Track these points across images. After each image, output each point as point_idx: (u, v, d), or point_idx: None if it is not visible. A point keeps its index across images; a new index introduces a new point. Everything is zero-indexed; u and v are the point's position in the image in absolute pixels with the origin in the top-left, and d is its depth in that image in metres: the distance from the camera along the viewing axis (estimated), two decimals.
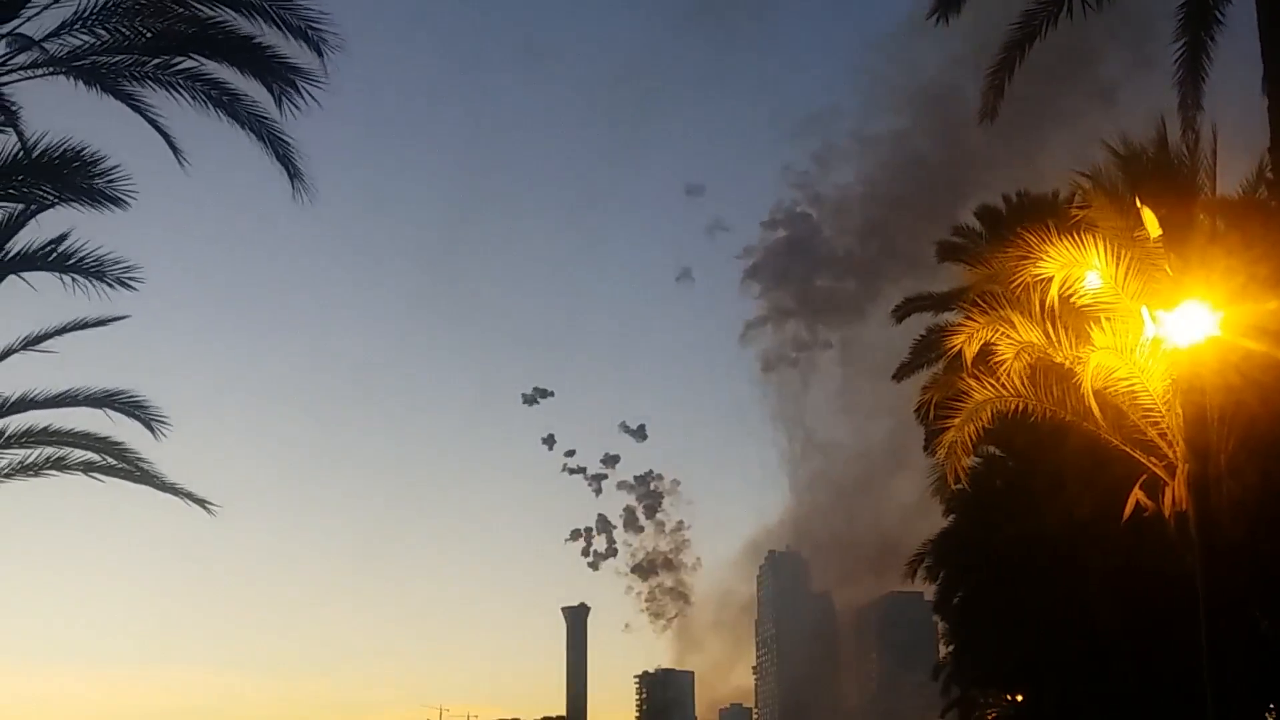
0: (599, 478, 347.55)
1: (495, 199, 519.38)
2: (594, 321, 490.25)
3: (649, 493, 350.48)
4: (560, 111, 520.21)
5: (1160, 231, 20.06)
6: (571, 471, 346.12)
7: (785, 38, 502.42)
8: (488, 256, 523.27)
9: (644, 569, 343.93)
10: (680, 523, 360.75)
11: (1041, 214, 25.90)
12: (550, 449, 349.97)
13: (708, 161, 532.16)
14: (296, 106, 20.87)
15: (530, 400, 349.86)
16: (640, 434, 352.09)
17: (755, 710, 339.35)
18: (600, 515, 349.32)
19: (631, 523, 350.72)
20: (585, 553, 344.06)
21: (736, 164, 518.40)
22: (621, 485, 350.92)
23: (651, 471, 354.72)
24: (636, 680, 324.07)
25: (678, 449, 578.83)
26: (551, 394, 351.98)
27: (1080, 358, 21.03)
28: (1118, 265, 20.30)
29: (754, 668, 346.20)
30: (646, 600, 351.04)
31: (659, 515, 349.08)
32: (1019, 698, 44.98)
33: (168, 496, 25.44)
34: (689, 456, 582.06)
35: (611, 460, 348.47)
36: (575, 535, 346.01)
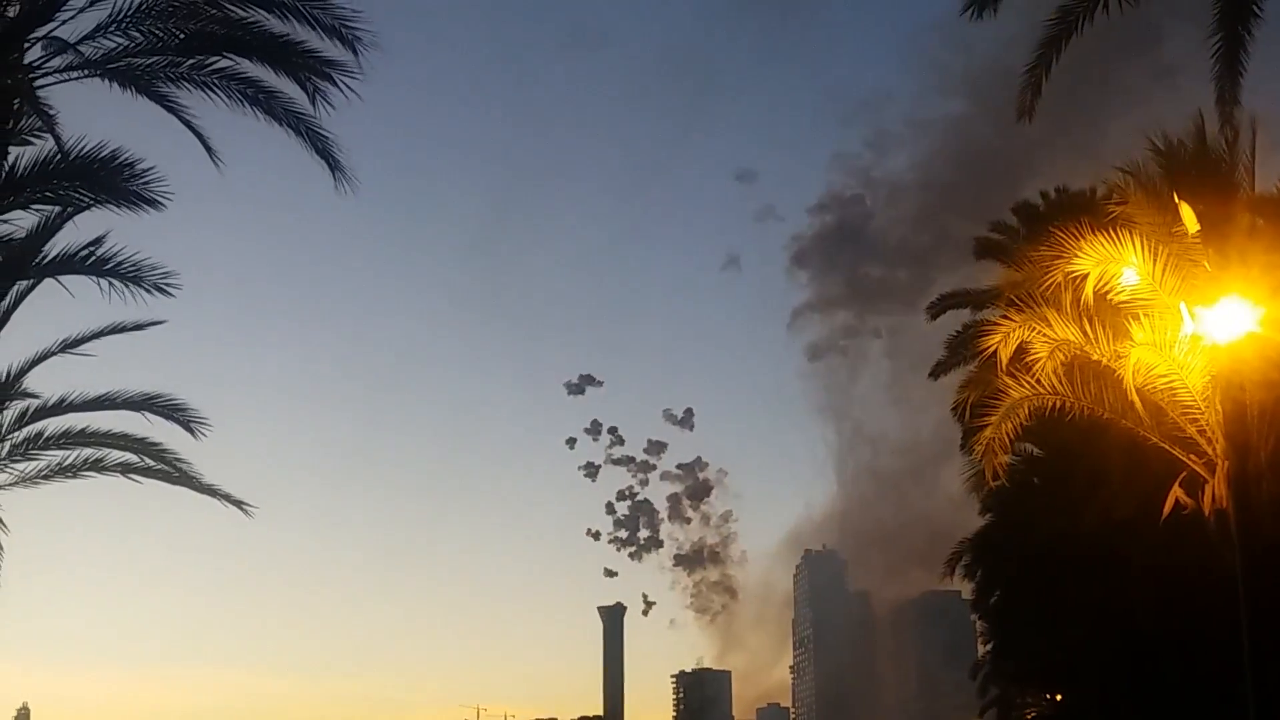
0: (646, 466, 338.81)
1: (541, 188, 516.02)
2: (640, 310, 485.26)
3: (697, 482, 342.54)
4: (608, 99, 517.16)
5: (1199, 227, 19.93)
6: (616, 462, 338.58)
7: (837, 21, 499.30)
8: (533, 247, 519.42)
9: (690, 561, 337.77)
10: (728, 513, 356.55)
11: (1079, 210, 25.74)
12: (595, 439, 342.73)
13: (758, 148, 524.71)
14: (331, 104, 21.01)
15: (575, 390, 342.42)
16: (687, 422, 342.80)
17: (792, 710, 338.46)
18: (645, 501, 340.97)
19: (677, 513, 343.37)
20: (629, 541, 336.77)
21: (787, 150, 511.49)
22: (666, 476, 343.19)
23: (700, 459, 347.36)
24: (673, 680, 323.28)
25: (723, 439, 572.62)
26: (600, 383, 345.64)
27: (1118, 354, 20.90)
28: (1155, 261, 20.18)
29: (791, 667, 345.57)
30: (692, 595, 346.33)
31: (705, 506, 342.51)
32: (1058, 697, 44.76)
33: (205, 497, 25.64)
34: (734, 447, 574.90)
35: (657, 447, 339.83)
36: (618, 525, 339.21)
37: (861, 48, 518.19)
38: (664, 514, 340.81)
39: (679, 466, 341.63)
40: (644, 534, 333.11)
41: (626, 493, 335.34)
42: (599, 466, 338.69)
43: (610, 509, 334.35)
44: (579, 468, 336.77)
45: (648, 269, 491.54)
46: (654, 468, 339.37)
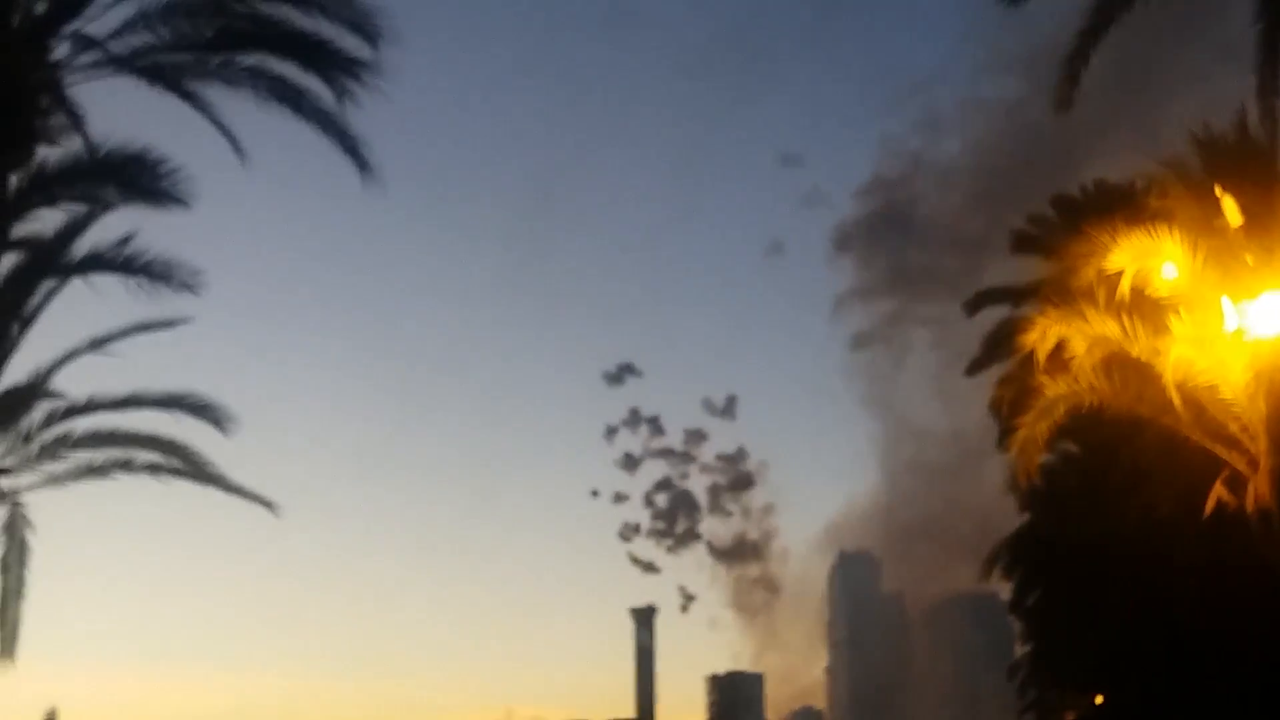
0: (686, 458, 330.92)
1: (580, 173, 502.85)
2: (681, 298, 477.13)
3: (738, 474, 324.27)
4: (650, 80, 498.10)
5: (1241, 220, 19.64)
6: (656, 454, 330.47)
7: (888, 1, 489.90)
8: (571, 234, 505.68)
9: (730, 556, 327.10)
10: (770, 506, 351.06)
11: (1119, 204, 25.44)
12: (634, 431, 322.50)
13: (804, 130, 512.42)
14: (355, 102, 20.89)
15: (614, 380, 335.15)
16: (729, 412, 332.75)
17: (827, 713, 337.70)
18: (685, 492, 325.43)
19: (717, 506, 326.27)
20: (667, 534, 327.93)
21: (834, 132, 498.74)
22: (705, 469, 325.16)
23: (742, 449, 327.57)
24: (706, 682, 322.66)
25: (763, 431, 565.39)
26: (639, 372, 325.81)
27: (1158, 351, 20.60)
28: (1196, 255, 19.89)
29: (825, 669, 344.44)
30: (732, 592, 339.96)
31: (747, 499, 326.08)
32: (1098, 698, 44.35)
33: (234, 498, 25.59)
34: (774, 439, 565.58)
35: (697, 436, 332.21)
36: (656, 517, 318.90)
37: (913, 27, 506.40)
38: (704, 506, 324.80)
39: (719, 457, 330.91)
40: (683, 526, 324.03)
41: (666, 484, 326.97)
42: (639, 459, 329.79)
43: (649, 501, 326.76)
44: (615, 461, 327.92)
45: (689, 255, 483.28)
46: (694, 459, 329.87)
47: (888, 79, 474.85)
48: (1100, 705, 43.97)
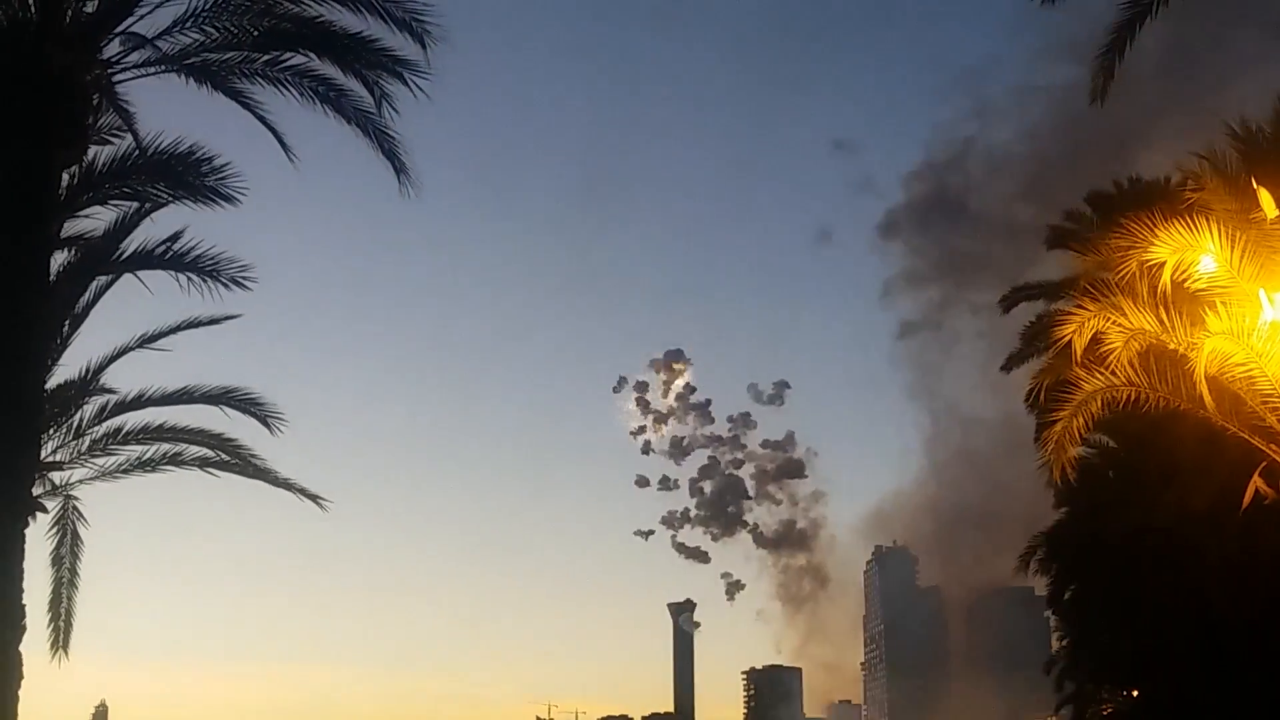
0: (736, 443, 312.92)
1: (629, 160, 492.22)
2: (730, 285, 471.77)
3: (787, 461, 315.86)
4: (701, 68, 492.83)
5: (1277, 212, 19.67)
6: (703, 444, 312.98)
7: None
8: (620, 222, 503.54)
9: (776, 544, 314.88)
10: (818, 494, 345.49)
11: (1155, 198, 25.50)
12: (683, 421, 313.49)
13: (857, 117, 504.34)
14: (396, 108, 21.18)
15: (663, 369, 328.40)
16: (777, 398, 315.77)
17: (864, 707, 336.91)
18: (734, 476, 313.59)
19: (764, 493, 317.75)
20: (711, 521, 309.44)
21: (887, 120, 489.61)
22: (750, 458, 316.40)
23: (791, 434, 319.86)
24: (744, 676, 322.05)
25: (810, 419, 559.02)
26: (687, 360, 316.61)
27: (1195, 344, 20.66)
28: (1233, 248, 19.93)
29: (862, 664, 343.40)
30: (779, 582, 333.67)
31: (795, 486, 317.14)
32: (1135, 692, 44.33)
33: (281, 492, 25.81)
34: (820, 427, 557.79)
35: (745, 421, 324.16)
36: (701, 505, 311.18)
37: (966, 13, 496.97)
38: (751, 493, 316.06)
39: (765, 444, 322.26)
40: (730, 513, 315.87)
41: (713, 470, 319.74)
42: (686, 445, 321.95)
43: (696, 490, 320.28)
44: (661, 452, 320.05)
45: (739, 243, 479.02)
46: (744, 445, 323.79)
47: (940, 66, 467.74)
48: (1137, 699, 43.97)
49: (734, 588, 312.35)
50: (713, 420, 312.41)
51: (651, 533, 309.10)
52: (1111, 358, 21.31)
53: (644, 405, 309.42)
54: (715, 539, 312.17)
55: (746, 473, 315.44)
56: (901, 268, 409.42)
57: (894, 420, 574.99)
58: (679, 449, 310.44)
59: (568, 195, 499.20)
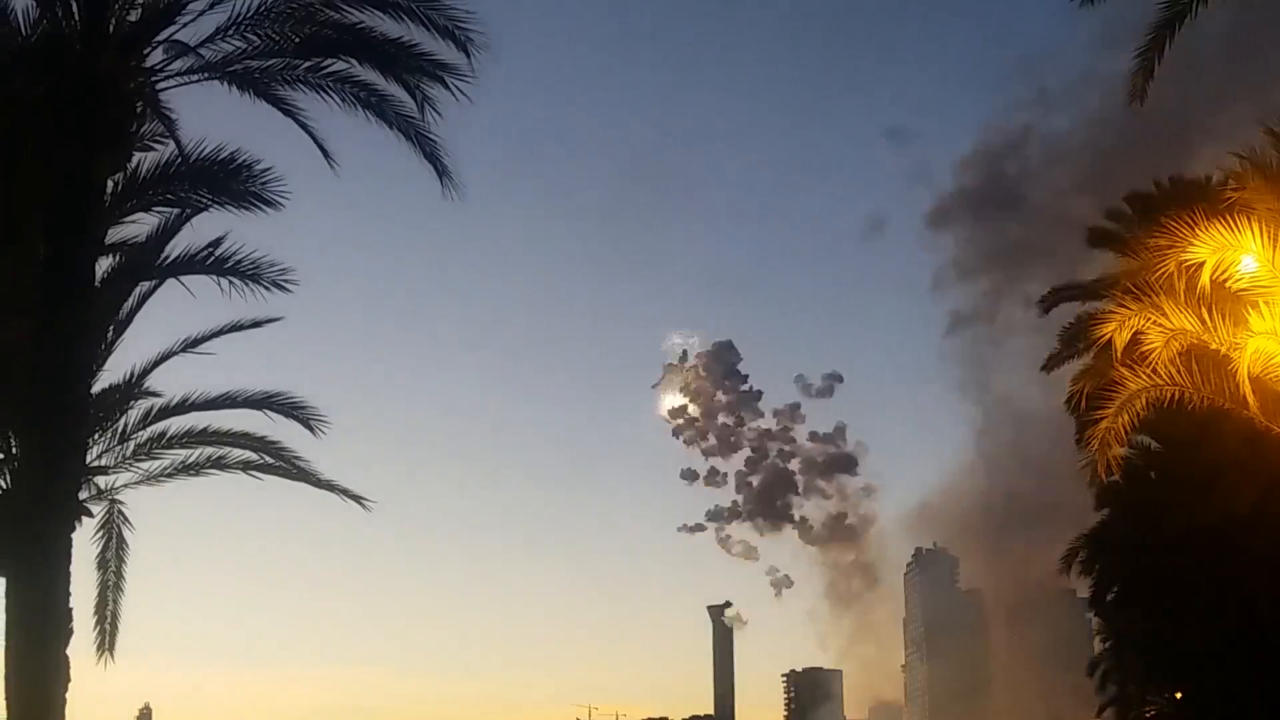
0: (785, 435, 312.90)
1: (677, 149, 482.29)
2: (781, 274, 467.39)
3: (838, 454, 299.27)
4: (755, 54, 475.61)
5: None
6: (752, 439, 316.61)
7: None
8: (667, 212, 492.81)
9: (825, 540, 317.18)
10: (869, 487, 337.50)
11: (1195, 197, 25.38)
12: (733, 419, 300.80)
13: (911, 105, 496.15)
14: (439, 112, 21.28)
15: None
16: (827, 391, 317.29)
17: (906, 710, 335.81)
18: (784, 468, 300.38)
19: (813, 487, 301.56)
20: (757, 514, 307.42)
21: (944, 108, 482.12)
22: (796, 452, 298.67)
23: (841, 425, 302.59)
24: (784, 678, 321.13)
25: (859, 412, 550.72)
26: (736, 351, 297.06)
27: (1237, 344, 20.58)
28: (1275, 248, 19.86)
29: (903, 666, 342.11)
30: (827, 579, 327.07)
31: (846, 480, 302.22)
32: (1178, 694, 44.12)
33: (324, 494, 25.89)
34: (869, 421, 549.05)
35: (793, 413, 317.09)
36: (743, 485, 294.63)
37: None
38: (800, 487, 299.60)
39: (813, 437, 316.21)
40: (777, 507, 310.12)
41: (760, 462, 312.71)
42: (734, 441, 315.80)
43: (743, 483, 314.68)
44: (702, 451, 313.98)
45: (790, 231, 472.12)
46: (793, 439, 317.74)
47: (998, 53, 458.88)
48: (1181, 701, 43.75)
49: (781, 583, 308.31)
50: (761, 415, 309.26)
51: (699, 527, 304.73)
52: (1152, 357, 21.26)
53: (692, 396, 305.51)
54: (762, 533, 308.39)
55: (795, 466, 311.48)
56: (952, 259, 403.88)
57: (942, 414, 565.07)
58: (726, 444, 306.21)
59: (615, 187, 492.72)
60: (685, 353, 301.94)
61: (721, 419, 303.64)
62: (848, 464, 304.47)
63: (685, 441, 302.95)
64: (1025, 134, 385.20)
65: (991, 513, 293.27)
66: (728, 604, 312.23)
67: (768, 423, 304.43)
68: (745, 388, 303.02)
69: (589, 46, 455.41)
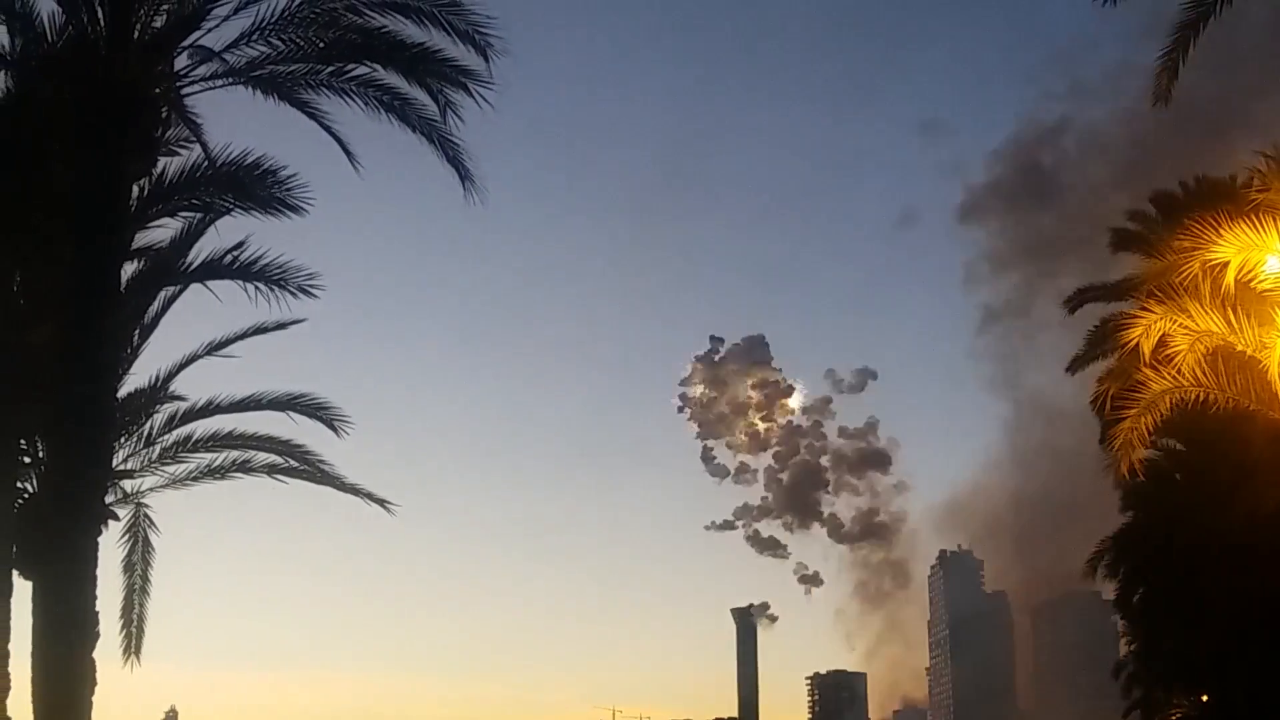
0: (816, 430, 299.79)
1: (712, 142, 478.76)
2: (812, 268, 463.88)
3: (871, 451, 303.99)
4: (787, 46, 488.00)
5: None
6: (780, 436, 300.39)
7: None
8: (699, 205, 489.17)
9: (856, 538, 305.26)
10: (901, 485, 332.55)
11: (1219, 198, 25.26)
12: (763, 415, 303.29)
13: (945, 97, 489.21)
14: (461, 117, 21.32)
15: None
16: (859, 385, 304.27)
17: (930, 713, 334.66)
18: (815, 462, 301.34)
19: (843, 484, 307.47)
20: (786, 511, 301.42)
21: (978, 100, 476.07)
22: (827, 449, 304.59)
23: (873, 419, 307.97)
24: (809, 681, 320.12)
25: (890, 409, 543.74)
26: (767, 348, 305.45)
27: (1264, 344, 20.51)
28: None
29: (927, 669, 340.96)
30: (857, 579, 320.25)
31: (877, 477, 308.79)
32: (1204, 697, 43.90)
33: (347, 496, 25.98)
34: (899, 418, 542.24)
35: (825, 407, 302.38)
36: (778, 496, 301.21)
37: None
38: (830, 482, 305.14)
39: (843, 433, 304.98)
40: (807, 504, 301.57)
41: (790, 458, 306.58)
42: (763, 434, 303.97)
43: (773, 478, 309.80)
44: (730, 446, 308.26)
45: (821, 225, 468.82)
46: (824, 435, 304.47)
47: (1033, 45, 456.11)
48: (1207, 703, 43.53)
49: (810, 580, 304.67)
50: (791, 411, 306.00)
51: (728, 523, 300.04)
52: (1178, 359, 21.18)
53: (720, 391, 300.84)
54: (790, 530, 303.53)
55: (825, 462, 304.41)
56: (983, 252, 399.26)
57: (972, 411, 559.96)
58: (756, 440, 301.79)
59: (646, 181, 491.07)
60: (715, 347, 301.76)
61: (751, 414, 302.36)
62: (880, 460, 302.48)
63: (708, 436, 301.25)
64: (1060, 127, 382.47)
65: (1022, 511, 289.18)
66: (753, 605, 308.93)
67: (798, 419, 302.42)
68: (775, 381, 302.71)
69: (621, 41, 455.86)
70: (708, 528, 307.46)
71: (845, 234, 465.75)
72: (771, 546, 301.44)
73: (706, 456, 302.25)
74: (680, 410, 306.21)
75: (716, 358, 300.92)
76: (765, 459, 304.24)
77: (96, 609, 19.80)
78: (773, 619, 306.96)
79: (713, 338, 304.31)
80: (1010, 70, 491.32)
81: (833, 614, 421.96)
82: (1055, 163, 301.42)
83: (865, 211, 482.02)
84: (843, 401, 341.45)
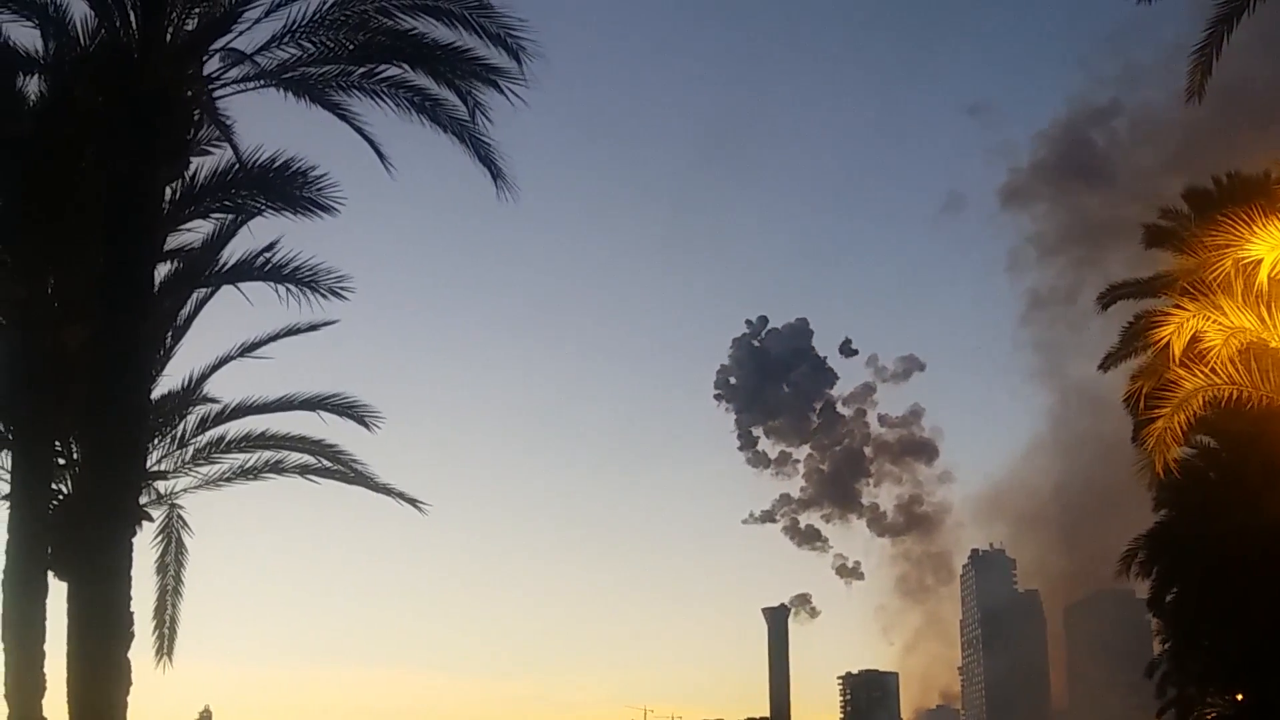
0: (860, 418, 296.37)
1: (757, 125, 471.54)
2: (856, 253, 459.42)
3: (915, 441, 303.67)
4: (832, 28, 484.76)
5: None
6: (825, 416, 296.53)
7: None
8: (740, 191, 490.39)
9: (899, 530, 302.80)
10: (945, 475, 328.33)
11: (1253, 195, 25.11)
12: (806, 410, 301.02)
13: (994, 80, 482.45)
14: (489, 119, 21.36)
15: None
16: (903, 374, 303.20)
17: (962, 712, 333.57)
18: (858, 450, 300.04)
19: (885, 473, 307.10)
20: (824, 501, 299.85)
21: (1027, 83, 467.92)
22: (864, 440, 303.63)
23: (919, 411, 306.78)
24: (840, 681, 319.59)
25: (934, 397, 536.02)
26: (811, 331, 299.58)
27: None
28: None
29: (959, 668, 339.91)
30: (899, 574, 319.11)
31: (918, 467, 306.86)
32: (1239, 696, 43.65)
33: (379, 496, 26.07)
34: (939, 404, 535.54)
35: (867, 393, 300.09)
36: (811, 470, 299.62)
37: None
38: (871, 471, 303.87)
39: (883, 420, 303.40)
40: (847, 494, 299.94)
41: (832, 447, 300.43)
42: (804, 422, 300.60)
43: (814, 468, 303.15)
44: (765, 436, 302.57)
45: (866, 209, 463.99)
46: (866, 423, 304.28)
47: (1084, 26, 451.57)
48: (1242, 702, 43.28)
49: (849, 573, 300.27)
50: (834, 399, 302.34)
51: (768, 515, 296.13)
52: (1211, 355, 21.09)
53: (763, 378, 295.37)
54: (830, 521, 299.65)
55: (868, 451, 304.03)
56: (1030, 237, 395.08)
57: (1015, 400, 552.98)
58: (796, 428, 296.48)
59: (688, 164, 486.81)
60: (756, 330, 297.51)
61: (793, 401, 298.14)
62: (923, 450, 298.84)
63: (747, 428, 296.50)
64: (1111, 109, 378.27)
65: (1064, 502, 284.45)
66: (793, 599, 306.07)
67: (841, 408, 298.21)
68: (818, 368, 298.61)
69: (661, 25, 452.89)
70: (746, 520, 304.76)
71: (890, 219, 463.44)
72: (811, 538, 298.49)
73: (747, 444, 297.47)
74: (717, 399, 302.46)
75: (755, 343, 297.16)
76: (805, 449, 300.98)
77: (131, 610, 19.89)
78: (813, 612, 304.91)
79: (748, 321, 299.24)
80: (1061, 53, 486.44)
81: (871, 610, 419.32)
82: (1105, 146, 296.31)
83: (911, 196, 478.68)
84: (884, 390, 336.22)
